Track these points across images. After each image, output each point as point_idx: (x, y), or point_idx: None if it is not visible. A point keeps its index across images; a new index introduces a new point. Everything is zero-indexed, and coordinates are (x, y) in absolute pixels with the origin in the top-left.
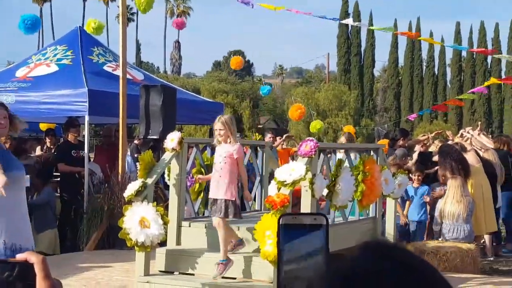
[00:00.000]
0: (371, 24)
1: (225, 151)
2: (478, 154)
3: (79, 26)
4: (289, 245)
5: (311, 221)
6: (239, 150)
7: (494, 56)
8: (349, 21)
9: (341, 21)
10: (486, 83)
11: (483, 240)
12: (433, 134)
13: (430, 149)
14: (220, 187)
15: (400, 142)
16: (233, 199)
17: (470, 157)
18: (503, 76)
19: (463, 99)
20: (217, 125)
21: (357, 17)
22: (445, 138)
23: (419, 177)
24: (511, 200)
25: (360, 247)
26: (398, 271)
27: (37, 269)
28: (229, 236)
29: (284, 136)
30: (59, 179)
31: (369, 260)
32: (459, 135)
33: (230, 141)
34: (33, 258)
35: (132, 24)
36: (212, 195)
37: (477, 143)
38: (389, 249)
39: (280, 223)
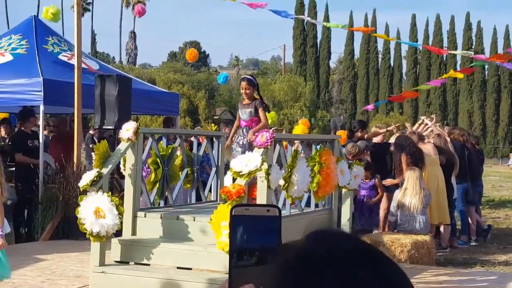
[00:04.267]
0: (327, 15)
1: None
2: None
3: (34, 15)
4: (241, 236)
5: (264, 213)
6: None
7: (450, 52)
8: (304, 16)
9: (295, 16)
10: (445, 75)
11: (437, 236)
12: (392, 127)
13: (391, 141)
14: None
15: (359, 134)
16: None
17: (428, 148)
18: (458, 69)
19: (419, 90)
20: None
21: (313, 8)
22: (402, 128)
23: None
24: (465, 192)
25: (305, 236)
26: (341, 257)
27: None
28: None
29: (273, 129)
30: (14, 169)
31: (310, 247)
32: (419, 121)
33: None
34: None
35: (88, 14)
36: None
37: (437, 131)
38: (333, 237)
39: (232, 214)
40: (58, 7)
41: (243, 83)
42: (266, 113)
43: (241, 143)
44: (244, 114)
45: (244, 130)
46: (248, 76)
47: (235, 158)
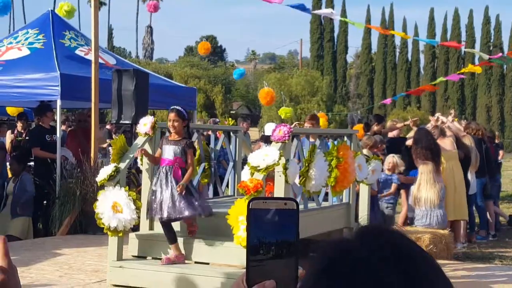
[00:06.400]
0: (344, 10)
1: None
2: (456, 139)
3: (51, 10)
4: (258, 230)
5: (282, 206)
6: None
7: (466, 50)
8: (322, 11)
9: (312, 12)
10: (463, 70)
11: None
12: (408, 122)
13: (408, 135)
14: None
15: (375, 128)
16: None
17: (447, 142)
18: (477, 63)
19: (437, 84)
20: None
21: (330, 3)
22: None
23: None
24: (484, 187)
25: (354, 232)
26: (387, 256)
27: None
28: None
29: (295, 123)
30: (32, 163)
31: (358, 243)
32: (435, 118)
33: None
34: None
35: (104, 8)
36: None
37: (453, 128)
38: (382, 234)
39: (250, 207)
40: (73, 5)
41: (171, 114)
42: (286, 112)
43: (158, 186)
44: (168, 151)
45: (164, 169)
46: (177, 107)
47: (152, 201)
